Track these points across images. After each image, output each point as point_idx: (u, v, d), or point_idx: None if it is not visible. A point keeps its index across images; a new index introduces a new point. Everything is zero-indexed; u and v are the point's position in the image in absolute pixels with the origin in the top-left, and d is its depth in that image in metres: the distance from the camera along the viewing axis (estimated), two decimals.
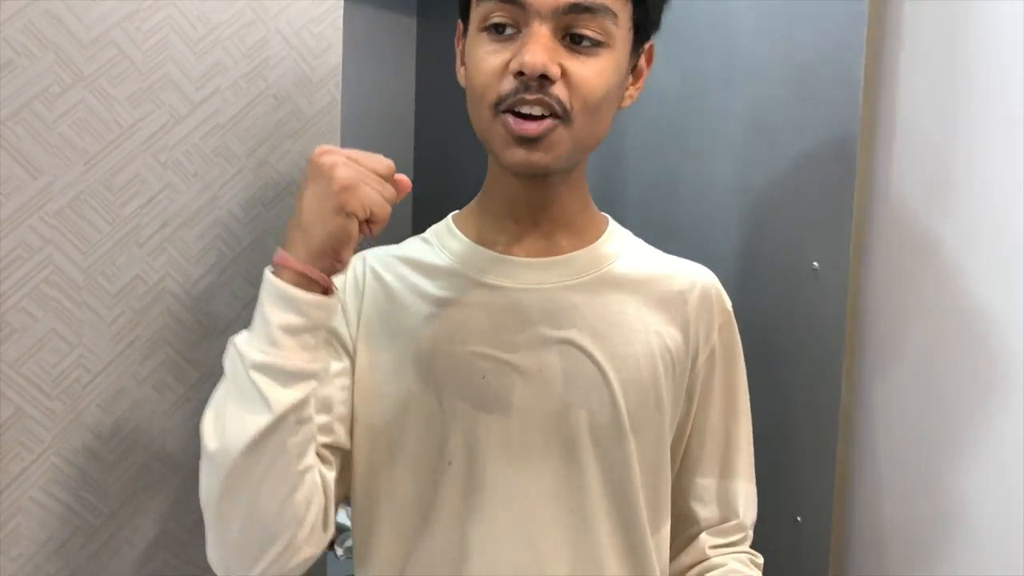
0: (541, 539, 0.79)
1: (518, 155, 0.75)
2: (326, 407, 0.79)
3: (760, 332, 1.08)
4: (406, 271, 0.85)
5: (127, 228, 0.86)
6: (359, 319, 0.83)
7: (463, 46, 0.83)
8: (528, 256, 0.84)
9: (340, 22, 0.96)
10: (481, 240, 0.85)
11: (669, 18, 1.19)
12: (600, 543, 0.80)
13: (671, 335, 0.84)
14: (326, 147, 0.70)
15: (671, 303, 0.85)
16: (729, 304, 0.89)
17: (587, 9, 0.73)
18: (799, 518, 1.01)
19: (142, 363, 0.87)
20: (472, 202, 0.89)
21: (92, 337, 0.84)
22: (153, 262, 0.87)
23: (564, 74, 0.73)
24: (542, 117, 0.74)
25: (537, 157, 0.75)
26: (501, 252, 0.84)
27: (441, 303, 0.82)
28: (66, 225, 0.82)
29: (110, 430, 0.85)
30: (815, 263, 1.01)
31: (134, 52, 0.84)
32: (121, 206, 0.85)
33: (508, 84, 0.74)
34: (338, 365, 0.82)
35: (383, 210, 0.68)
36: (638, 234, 1.24)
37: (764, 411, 1.08)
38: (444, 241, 0.87)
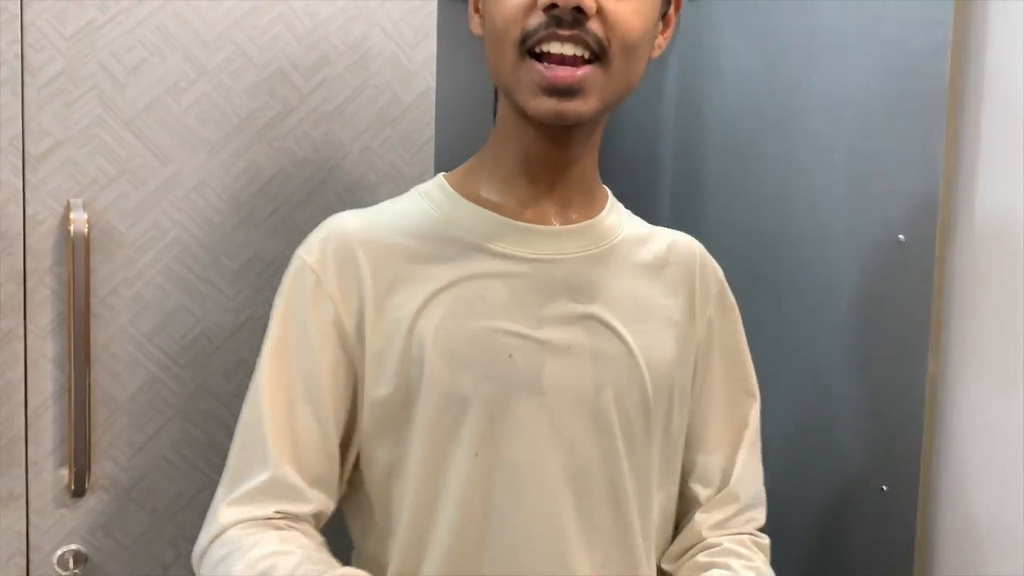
0: (571, 535, 0.73)
1: (548, 104, 0.67)
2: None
3: (846, 304, 1.09)
4: (405, 241, 0.74)
5: (245, 211, 0.93)
6: (361, 305, 0.72)
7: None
8: (542, 223, 0.76)
9: (435, 14, 1.01)
10: (488, 204, 0.76)
11: None
12: (632, 527, 0.75)
13: (680, 308, 0.79)
14: None
15: (676, 275, 0.81)
16: (721, 273, 0.85)
17: None
18: (884, 487, 1.03)
19: (259, 336, 0.94)
20: (471, 161, 0.80)
21: (215, 311, 0.92)
22: (268, 242, 0.94)
23: (600, 11, 0.66)
24: (575, 59, 0.66)
25: (572, 106, 0.67)
26: (512, 218, 0.75)
27: (454, 276, 0.73)
28: (192, 208, 0.90)
29: (231, 396, 0.93)
30: (901, 235, 1.02)
31: (251, 48, 0.91)
32: (240, 190, 0.92)
33: (536, 18, 0.66)
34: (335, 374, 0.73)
35: None
36: (723, 213, 1.27)
37: (850, 381, 1.10)
38: (443, 205, 0.77)
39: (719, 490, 0.81)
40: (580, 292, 0.75)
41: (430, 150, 1.04)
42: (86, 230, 0.83)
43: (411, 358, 0.71)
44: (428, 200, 0.78)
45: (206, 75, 0.89)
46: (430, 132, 1.04)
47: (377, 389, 0.72)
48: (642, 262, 0.79)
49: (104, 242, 0.85)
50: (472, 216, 0.75)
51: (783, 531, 1.11)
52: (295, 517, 0.70)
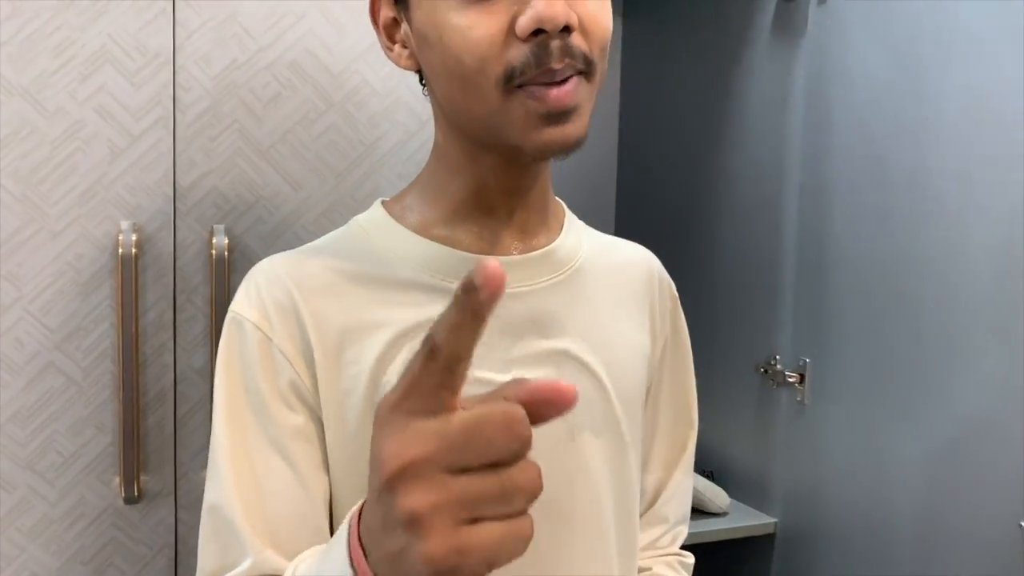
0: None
1: (550, 134, 0.60)
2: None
3: (983, 327, 1.03)
4: (351, 284, 0.67)
5: None
6: (312, 360, 0.65)
7: (394, 18, 0.66)
8: (503, 254, 0.68)
9: None
10: (439, 237, 0.68)
11: None
12: (610, 561, 0.70)
13: (642, 328, 0.74)
14: (399, 443, 0.40)
15: (637, 293, 0.75)
16: (675, 288, 0.79)
17: None
18: (1022, 523, 0.97)
19: None
20: (413, 190, 0.71)
21: None
22: None
23: (579, 20, 0.59)
24: (565, 80, 0.59)
25: (572, 130, 0.61)
26: (467, 251, 0.67)
27: (412, 321, 0.65)
28: (320, 231, 0.96)
29: None
30: None
31: (374, 79, 0.97)
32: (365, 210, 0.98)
33: (518, 51, 0.58)
34: (299, 422, 0.64)
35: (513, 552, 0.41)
36: (851, 225, 1.22)
37: (984, 408, 1.04)
38: (389, 241, 0.68)
39: (647, 508, 0.78)
40: (548, 326, 0.68)
41: None
42: (227, 253, 0.90)
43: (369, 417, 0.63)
44: (371, 234, 0.69)
45: (334, 106, 0.96)
46: None
47: (338, 449, 0.65)
48: (606, 284, 0.73)
49: (242, 263, 0.93)
50: (424, 252, 0.67)
51: (922, 556, 1.06)
52: None
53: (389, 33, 0.67)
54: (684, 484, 0.80)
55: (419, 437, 0.38)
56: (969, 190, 1.05)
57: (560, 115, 0.59)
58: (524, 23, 0.56)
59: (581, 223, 0.77)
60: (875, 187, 1.19)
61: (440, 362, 0.39)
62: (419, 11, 0.62)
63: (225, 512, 0.62)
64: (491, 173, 0.66)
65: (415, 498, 0.38)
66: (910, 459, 1.13)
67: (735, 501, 1.42)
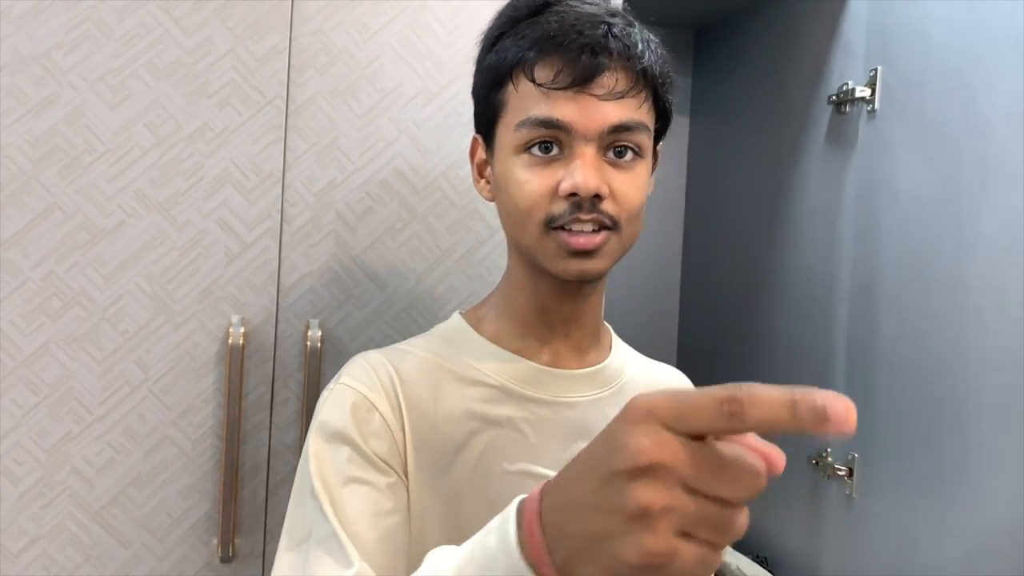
0: None
1: (573, 265, 0.75)
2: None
3: (1005, 429, 1.07)
4: (440, 383, 0.79)
5: None
6: (404, 442, 0.76)
7: (485, 160, 0.83)
8: (562, 367, 0.82)
9: None
10: (512, 348, 0.82)
11: (923, 118, 1.23)
12: None
13: None
14: (654, 444, 0.43)
15: None
16: None
17: (629, 128, 0.74)
18: None
19: None
20: (488, 304, 0.86)
21: None
22: None
23: (610, 191, 0.74)
24: (593, 231, 0.74)
25: (592, 265, 0.75)
26: (535, 361, 0.81)
27: (488, 419, 0.78)
28: (401, 325, 1.09)
29: None
30: None
31: (452, 193, 1.10)
32: (439, 309, 1.11)
33: (559, 205, 0.74)
34: (387, 486, 0.74)
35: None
36: (896, 328, 1.28)
37: (1012, 512, 1.07)
38: (470, 348, 0.82)
39: None
40: (593, 432, 0.75)
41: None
42: (320, 344, 1.04)
43: (447, 499, 0.76)
44: (454, 341, 0.83)
45: (417, 217, 1.10)
46: None
47: (424, 504, 0.75)
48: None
49: (333, 353, 1.06)
50: (500, 360, 0.81)
51: None
52: None
53: (480, 169, 0.84)
54: None
55: (676, 448, 0.42)
56: (1004, 304, 1.11)
57: (582, 253, 0.74)
58: (563, 187, 0.73)
59: (625, 345, 0.91)
60: (917, 295, 1.25)
61: (736, 415, 0.41)
62: (498, 161, 0.79)
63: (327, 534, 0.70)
64: (550, 297, 0.80)
65: (653, 495, 0.41)
66: (948, 556, 1.16)
67: None
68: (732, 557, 1.42)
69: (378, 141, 1.08)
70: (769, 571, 1.46)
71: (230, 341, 1.01)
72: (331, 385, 0.79)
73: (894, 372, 1.28)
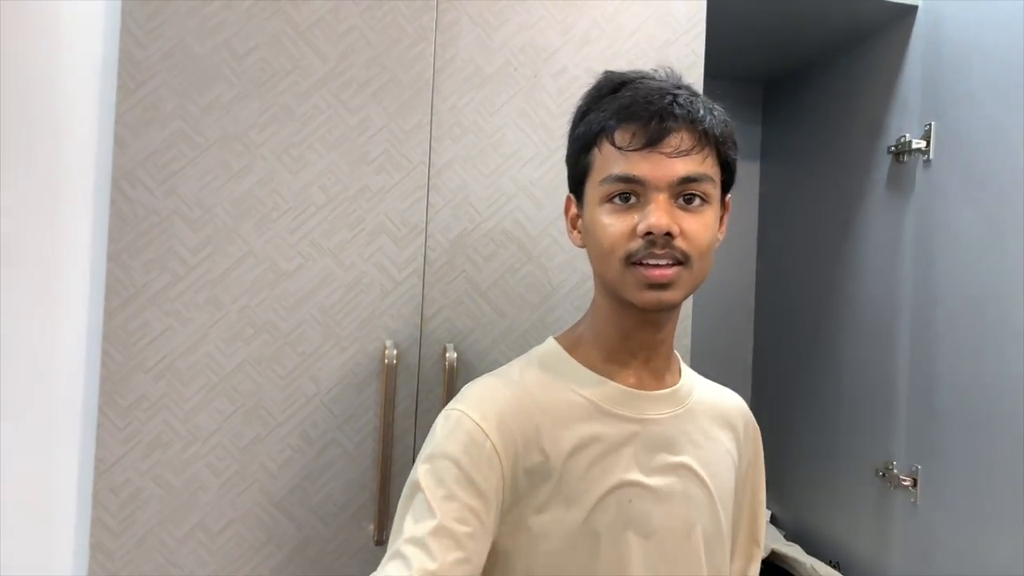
0: None
1: (651, 296, 0.87)
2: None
3: None
4: (543, 404, 0.91)
5: None
6: (515, 464, 0.88)
7: (577, 214, 0.97)
8: (643, 389, 0.95)
9: None
10: (602, 371, 0.94)
11: (972, 168, 1.40)
12: None
13: (733, 451, 1.01)
14: None
15: (730, 425, 1.02)
16: (756, 425, 1.08)
17: (694, 179, 0.87)
18: None
19: None
20: (579, 331, 0.99)
21: None
22: None
23: (681, 231, 0.86)
24: (667, 265, 0.86)
25: (667, 296, 0.87)
26: (623, 384, 0.94)
27: (587, 437, 0.91)
28: (520, 348, 1.31)
29: None
30: None
31: (561, 238, 1.32)
32: (549, 335, 1.32)
33: (637, 243, 0.86)
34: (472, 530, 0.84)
35: None
36: (953, 362, 1.43)
37: None
38: (566, 370, 0.95)
39: None
40: (673, 445, 0.94)
41: (688, 302, 1.37)
42: (455, 364, 1.26)
43: (555, 516, 0.89)
44: (553, 365, 0.95)
45: (532, 259, 1.31)
46: None
47: (507, 539, 0.88)
48: (710, 415, 1.00)
49: (465, 371, 1.28)
50: (594, 383, 0.93)
51: None
52: None
53: (573, 222, 0.99)
54: (757, 571, 1.08)
55: None
56: None
57: (658, 286, 0.87)
58: (640, 227, 0.87)
59: (690, 369, 1.06)
60: (970, 326, 1.40)
61: None
62: (587, 212, 0.93)
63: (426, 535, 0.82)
64: (633, 327, 0.94)
65: None
66: (1009, 562, 1.30)
67: None
68: (807, 558, 1.57)
69: (500, 196, 1.30)
70: (841, 574, 1.61)
71: (385, 361, 1.23)
72: (448, 410, 0.90)
73: (953, 392, 1.43)
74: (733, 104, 2.14)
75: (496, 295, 1.30)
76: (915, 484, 1.49)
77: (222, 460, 1.21)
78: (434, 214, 1.28)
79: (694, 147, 0.88)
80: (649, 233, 0.86)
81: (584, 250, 0.97)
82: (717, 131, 0.91)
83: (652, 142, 0.87)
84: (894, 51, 1.62)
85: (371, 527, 1.25)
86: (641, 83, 0.92)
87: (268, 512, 1.22)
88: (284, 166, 1.24)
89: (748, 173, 2.14)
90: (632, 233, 0.87)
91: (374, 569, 1.24)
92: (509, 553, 0.89)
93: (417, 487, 0.86)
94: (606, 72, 0.97)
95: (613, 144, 0.89)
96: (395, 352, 1.24)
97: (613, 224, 0.88)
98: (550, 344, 0.99)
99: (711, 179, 0.90)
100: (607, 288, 0.93)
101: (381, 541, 1.23)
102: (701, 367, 2.09)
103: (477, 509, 0.85)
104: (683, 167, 0.87)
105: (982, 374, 1.36)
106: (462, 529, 0.83)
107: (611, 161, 0.89)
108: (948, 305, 1.45)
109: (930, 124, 1.52)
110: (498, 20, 1.31)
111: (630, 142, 0.88)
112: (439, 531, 0.82)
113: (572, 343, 0.98)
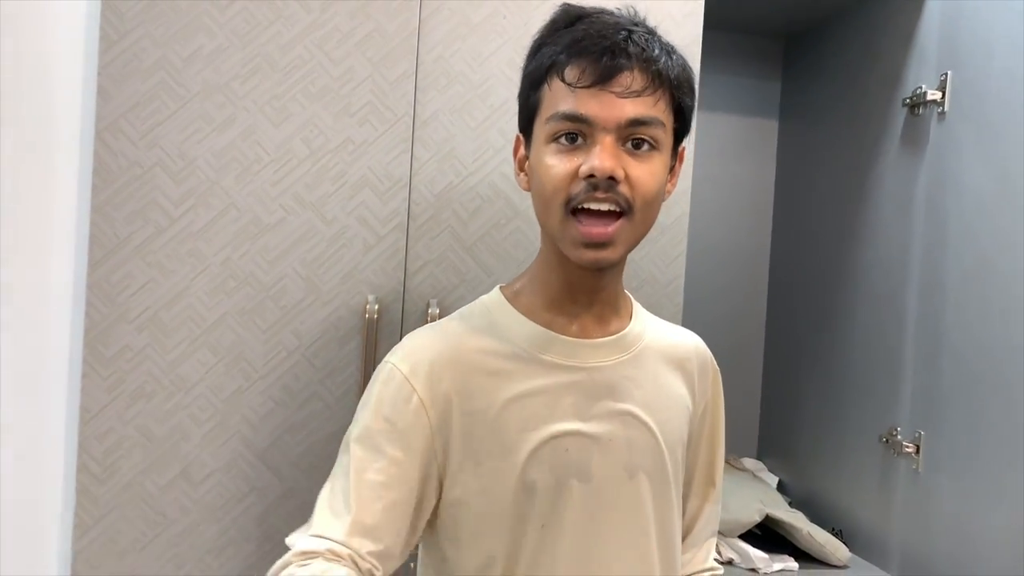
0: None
1: (588, 254, 0.85)
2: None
3: None
4: (478, 356, 0.90)
5: None
6: (447, 416, 0.88)
7: (524, 156, 0.93)
8: (588, 337, 0.93)
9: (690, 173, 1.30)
10: (543, 321, 0.92)
11: (986, 121, 1.33)
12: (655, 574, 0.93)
13: (685, 395, 0.98)
14: None
15: (682, 368, 0.99)
16: (715, 362, 1.04)
17: (644, 122, 0.84)
18: None
19: None
20: (523, 280, 0.96)
21: None
22: None
23: (626, 176, 0.83)
24: (609, 213, 0.84)
25: (605, 254, 0.85)
26: (563, 333, 0.92)
27: (524, 389, 0.89)
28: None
29: None
30: None
31: None
32: None
33: (578, 186, 0.83)
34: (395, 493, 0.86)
35: None
36: (961, 316, 1.38)
37: None
38: (507, 322, 0.93)
39: (686, 533, 1.03)
40: (617, 392, 0.92)
41: (682, 261, 1.34)
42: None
43: (492, 466, 0.88)
44: (493, 313, 0.94)
45: (519, 214, 1.29)
46: (682, 247, 1.33)
47: (456, 488, 0.89)
48: (662, 359, 0.97)
49: None
50: (536, 335, 0.91)
51: None
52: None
53: (520, 163, 0.95)
54: (715, 512, 1.06)
55: None
56: None
57: (596, 244, 0.84)
58: (582, 169, 0.83)
59: (647, 313, 1.02)
60: (980, 285, 1.34)
61: None
62: (533, 151, 0.90)
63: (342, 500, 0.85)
64: (575, 275, 0.91)
65: None
66: (1007, 526, 1.26)
67: (858, 557, 1.57)
68: (804, 524, 1.54)
69: (488, 150, 1.28)
70: (844, 542, 1.58)
71: (367, 316, 1.23)
72: (384, 362, 0.91)
73: (957, 357, 1.38)
74: (753, 59, 2.07)
75: (482, 251, 1.29)
76: (917, 451, 1.45)
77: (204, 411, 1.22)
78: (419, 167, 1.26)
79: (646, 88, 0.84)
80: (592, 176, 0.83)
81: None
82: (672, 74, 0.87)
83: (602, 79, 0.83)
84: None
85: None
86: (597, 18, 0.88)
87: (250, 463, 1.23)
88: (266, 118, 1.23)
89: (767, 131, 2.07)
90: (574, 175, 0.84)
91: None
92: (450, 504, 0.90)
93: (346, 448, 0.89)
94: (563, 5, 0.92)
95: (563, 80, 0.85)
96: (376, 307, 1.23)
97: (556, 165, 0.85)
98: (494, 294, 0.98)
99: (662, 124, 0.86)
100: (548, 237, 0.91)
101: None
102: (714, 331, 2.06)
103: (401, 461, 0.86)
104: (632, 108, 0.83)
105: (989, 337, 1.31)
106: (377, 505, 0.85)
107: (559, 98, 0.85)
108: (956, 268, 1.40)
109: (946, 74, 1.45)
110: None
111: (579, 78, 0.84)
112: (353, 529, 0.84)
113: (516, 292, 0.96)
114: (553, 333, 0.92)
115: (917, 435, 1.46)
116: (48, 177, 1.22)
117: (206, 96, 1.21)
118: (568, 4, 0.92)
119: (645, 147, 0.85)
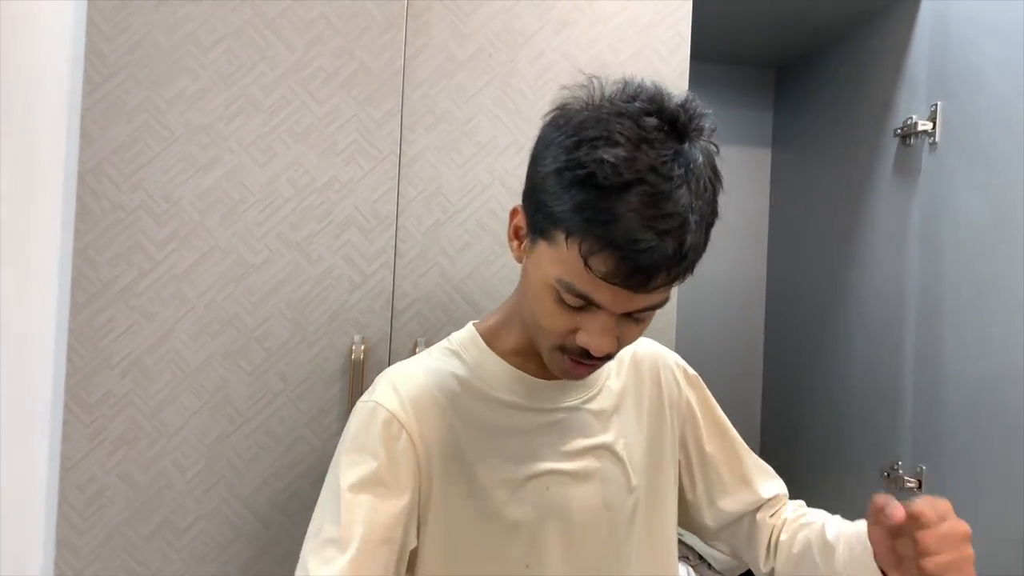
0: None
1: (570, 375, 0.85)
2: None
3: None
4: (450, 400, 0.88)
5: None
6: (428, 456, 0.86)
7: (522, 232, 0.85)
8: (558, 379, 0.91)
9: None
10: (518, 364, 0.91)
11: (978, 149, 1.31)
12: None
13: (656, 407, 0.97)
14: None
15: (646, 385, 0.98)
16: (680, 360, 1.02)
17: (654, 307, 0.78)
18: None
19: None
20: (497, 320, 0.94)
21: None
22: None
23: (618, 341, 0.80)
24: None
25: (585, 374, 0.86)
26: (537, 376, 0.91)
27: (504, 432, 0.88)
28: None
29: None
30: None
31: None
32: None
33: (572, 341, 0.80)
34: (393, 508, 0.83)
35: None
36: (959, 346, 1.36)
37: None
38: (486, 364, 0.91)
39: (756, 508, 1.01)
40: (588, 428, 0.92)
41: (674, 292, 1.32)
42: None
43: (473, 507, 0.86)
44: (472, 356, 0.91)
45: (507, 251, 1.27)
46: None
47: (437, 528, 0.86)
48: (628, 387, 0.97)
49: None
50: (511, 377, 0.90)
51: None
52: None
53: (516, 233, 0.87)
54: (765, 472, 1.03)
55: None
56: None
57: (582, 374, 0.84)
58: (580, 340, 0.79)
59: None
60: (979, 314, 1.32)
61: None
62: (532, 265, 0.81)
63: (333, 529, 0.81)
64: None
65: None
66: (1009, 563, 1.22)
67: None
68: None
69: (475, 186, 1.26)
70: None
71: (353, 356, 1.20)
72: (365, 398, 0.87)
73: (958, 387, 1.35)
74: (745, 89, 2.07)
75: (470, 288, 1.27)
76: (920, 486, 1.42)
77: (188, 457, 1.20)
78: (405, 205, 1.25)
79: (672, 285, 0.76)
80: (584, 348, 0.80)
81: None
82: (702, 251, 0.76)
83: (625, 285, 0.74)
84: (902, 29, 1.54)
85: None
86: (653, 204, 0.71)
87: (234, 510, 1.20)
88: (251, 158, 1.22)
89: (760, 160, 2.07)
90: (570, 332, 0.80)
91: None
92: (428, 543, 0.87)
93: (336, 490, 0.83)
94: (610, 141, 0.73)
95: (585, 262, 0.74)
96: (363, 348, 1.21)
97: (556, 318, 0.80)
98: (470, 332, 0.95)
99: (668, 299, 0.80)
100: (531, 335, 0.88)
101: None
102: (711, 363, 2.02)
103: (392, 502, 0.83)
104: (647, 300, 0.77)
105: (985, 369, 1.28)
106: (373, 549, 0.81)
107: (575, 272, 0.75)
108: (954, 298, 1.38)
109: (936, 105, 1.44)
110: (472, 5, 1.27)
111: (604, 275, 0.74)
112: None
113: (491, 332, 0.94)
114: (529, 377, 0.91)
115: (919, 469, 1.43)
116: (31, 220, 1.20)
117: (190, 137, 1.20)
118: (614, 152, 0.72)
119: (647, 315, 0.80)
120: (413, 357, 0.95)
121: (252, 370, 1.21)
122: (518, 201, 1.27)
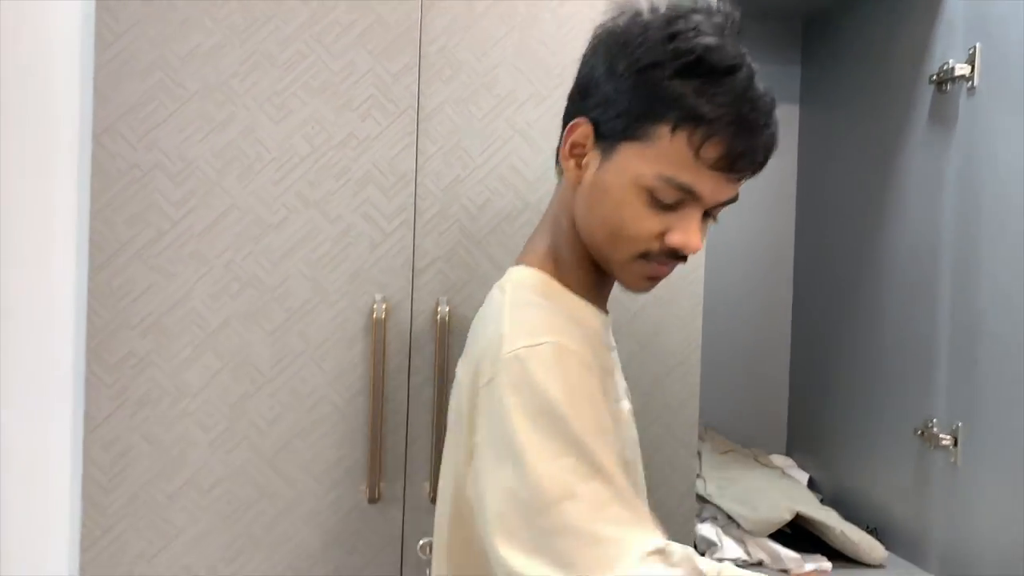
0: None
1: (645, 286, 0.88)
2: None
3: None
4: (573, 327, 0.86)
5: None
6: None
7: (584, 148, 0.85)
8: (606, 313, 0.96)
9: None
10: (588, 296, 0.91)
11: (1015, 86, 1.26)
12: None
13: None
14: None
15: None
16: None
17: (732, 201, 0.85)
18: None
19: None
20: (550, 261, 0.91)
21: None
22: None
23: None
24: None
25: (655, 286, 0.89)
26: (601, 310, 0.93)
27: (606, 371, 0.89)
28: None
29: None
30: None
31: None
32: None
33: (657, 247, 0.83)
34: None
35: None
36: (999, 296, 1.31)
37: None
38: (571, 304, 0.89)
39: None
40: (617, 368, 0.97)
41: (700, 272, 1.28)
42: (447, 319, 1.20)
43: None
44: (554, 298, 0.87)
45: (529, 206, 1.24)
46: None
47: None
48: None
49: (457, 326, 1.22)
50: (593, 315, 0.91)
51: None
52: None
53: (577, 151, 0.86)
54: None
55: None
56: None
57: (657, 280, 0.88)
58: (675, 241, 0.82)
59: None
60: (1019, 266, 1.27)
61: None
62: (611, 172, 0.82)
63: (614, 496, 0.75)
64: (598, 266, 0.91)
65: None
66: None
67: (895, 556, 1.50)
68: (837, 522, 1.48)
69: (495, 141, 1.23)
70: (879, 540, 1.51)
71: (374, 316, 1.19)
72: (531, 347, 0.76)
73: (996, 343, 1.31)
74: (771, 44, 2.01)
75: (492, 245, 1.24)
76: (955, 443, 1.38)
77: (211, 417, 1.19)
78: (424, 161, 1.22)
79: (759, 170, 0.85)
80: (676, 248, 0.83)
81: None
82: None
83: (732, 169, 0.80)
84: None
85: (363, 486, 1.21)
86: (755, 89, 0.81)
87: (259, 469, 1.20)
88: (267, 115, 1.20)
89: (786, 118, 2.01)
90: (659, 236, 0.83)
91: (367, 527, 1.22)
92: None
93: (573, 443, 0.74)
94: (710, 33, 0.80)
95: (694, 150, 0.78)
96: (384, 307, 1.19)
97: (645, 220, 0.82)
98: (538, 276, 0.90)
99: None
100: (593, 249, 0.88)
101: (374, 499, 1.20)
102: (738, 324, 1.99)
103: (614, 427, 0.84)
104: (734, 191, 0.83)
105: None
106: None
107: (679, 160, 0.79)
108: (992, 251, 1.33)
109: (975, 46, 1.38)
110: None
111: (715, 162, 0.79)
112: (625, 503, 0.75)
113: (559, 266, 0.91)
114: (599, 312, 0.93)
115: (955, 427, 1.39)
116: (47, 182, 1.19)
117: (205, 95, 1.18)
118: (716, 39, 0.80)
119: (717, 213, 0.86)
120: (516, 303, 0.85)
121: (273, 330, 1.20)
122: (540, 155, 1.25)
